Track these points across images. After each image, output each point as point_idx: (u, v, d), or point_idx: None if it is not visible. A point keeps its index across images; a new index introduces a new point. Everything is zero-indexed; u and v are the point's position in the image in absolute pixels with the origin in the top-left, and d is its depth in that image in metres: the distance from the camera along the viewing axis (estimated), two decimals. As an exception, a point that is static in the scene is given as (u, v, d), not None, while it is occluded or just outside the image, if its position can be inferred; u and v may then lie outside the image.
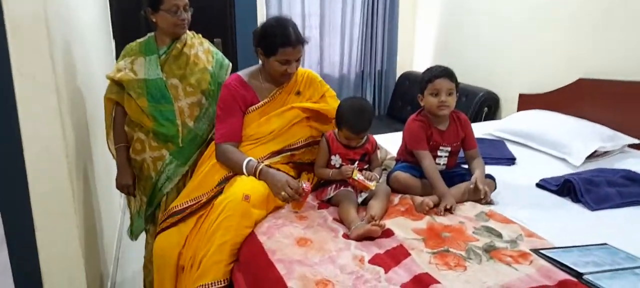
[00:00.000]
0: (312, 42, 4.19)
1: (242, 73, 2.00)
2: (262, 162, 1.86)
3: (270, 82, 1.99)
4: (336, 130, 1.96)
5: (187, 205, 1.84)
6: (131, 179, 2.05)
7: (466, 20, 3.88)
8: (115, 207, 2.81)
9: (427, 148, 1.97)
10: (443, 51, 4.19)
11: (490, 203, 1.91)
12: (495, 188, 2.01)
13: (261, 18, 3.85)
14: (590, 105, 2.77)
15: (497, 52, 3.56)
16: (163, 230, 1.86)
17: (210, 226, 1.69)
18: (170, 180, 2.02)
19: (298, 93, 2.02)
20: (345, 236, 1.62)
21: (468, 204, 1.87)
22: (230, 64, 2.15)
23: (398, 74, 4.56)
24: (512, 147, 2.64)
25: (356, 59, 4.41)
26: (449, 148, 2.02)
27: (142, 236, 2.23)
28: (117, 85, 1.97)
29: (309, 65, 4.21)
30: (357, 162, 1.92)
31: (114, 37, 3.57)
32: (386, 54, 4.45)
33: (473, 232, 1.63)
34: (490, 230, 1.64)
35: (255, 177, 1.81)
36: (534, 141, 2.62)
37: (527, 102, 3.21)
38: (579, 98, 2.83)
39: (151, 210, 2.09)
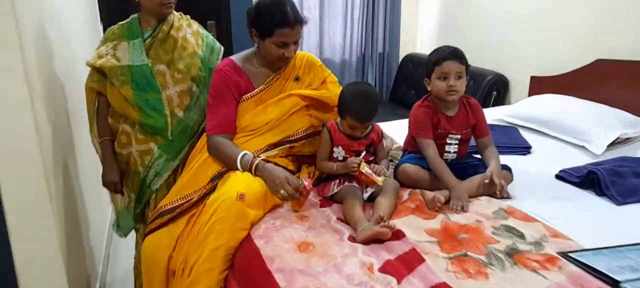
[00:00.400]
0: (311, 24, 4.00)
1: (235, 57, 1.83)
2: (259, 156, 1.70)
3: (266, 67, 1.82)
4: (339, 119, 1.80)
5: (177, 203, 1.69)
6: (118, 175, 1.89)
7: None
8: (104, 202, 2.65)
9: (431, 137, 1.83)
10: (448, 32, 4.00)
11: (507, 197, 1.76)
12: (512, 180, 1.86)
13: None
14: (609, 88, 2.60)
15: (507, 31, 3.36)
16: (152, 231, 1.71)
17: (202, 228, 1.53)
18: (159, 176, 1.87)
19: (297, 79, 1.86)
20: (351, 239, 1.46)
21: (484, 199, 1.72)
22: (222, 48, 1.98)
23: (401, 56, 4.38)
24: (526, 134, 2.48)
25: (357, 42, 4.22)
26: (459, 136, 1.87)
27: (133, 232, 2.08)
28: (99, 72, 1.80)
29: (307, 48, 4.02)
30: (363, 154, 1.76)
31: (102, 19, 3.38)
32: (388, 35, 4.26)
33: (492, 233, 1.48)
34: (511, 230, 1.49)
35: (251, 173, 1.65)
36: (550, 128, 2.45)
37: (539, 85, 3.04)
38: (597, 80, 2.66)
39: (140, 207, 1.94)
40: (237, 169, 1.67)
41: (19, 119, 1.40)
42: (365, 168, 1.65)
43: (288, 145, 1.80)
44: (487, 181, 1.71)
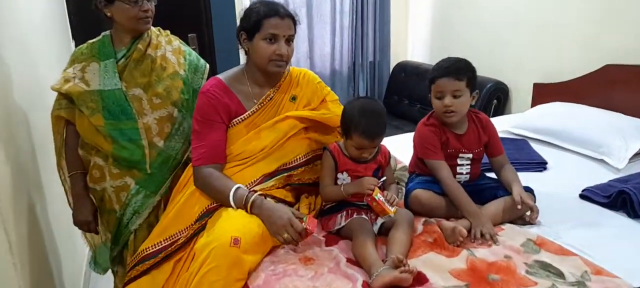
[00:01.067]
0: (300, 34, 3.80)
1: (223, 76, 1.62)
2: (254, 190, 1.49)
3: (259, 85, 1.62)
4: (342, 141, 1.60)
5: (160, 246, 1.47)
6: (91, 214, 1.66)
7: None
8: (79, 239, 2.39)
9: (442, 158, 1.65)
10: (441, 37, 3.83)
11: (531, 223, 1.58)
12: (535, 202, 1.67)
13: (240, 10, 3.43)
14: (620, 95, 2.44)
15: (505, 35, 3.20)
16: (132, 279, 1.48)
17: (191, 279, 1.31)
18: (138, 215, 1.65)
19: (293, 98, 1.65)
20: (366, 285, 1.26)
21: (507, 227, 1.54)
22: (207, 66, 1.77)
23: (392, 65, 4.21)
24: (537, 147, 2.30)
25: (347, 51, 4.05)
26: (471, 155, 1.70)
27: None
28: (66, 98, 1.57)
29: (297, 59, 3.82)
30: (382, 180, 1.55)
31: (74, 37, 3.12)
32: (378, 43, 4.09)
33: (527, 272, 1.29)
34: (547, 268, 1.31)
35: (247, 211, 1.43)
36: (564, 140, 2.28)
37: (543, 92, 2.87)
38: (607, 87, 2.50)
39: (118, 249, 1.71)
40: (230, 206, 1.45)
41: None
42: (378, 195, 1.45)
43: (286, 174, 1.59)
44: (519, 207, 1.53)
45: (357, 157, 1.56)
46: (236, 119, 1.58)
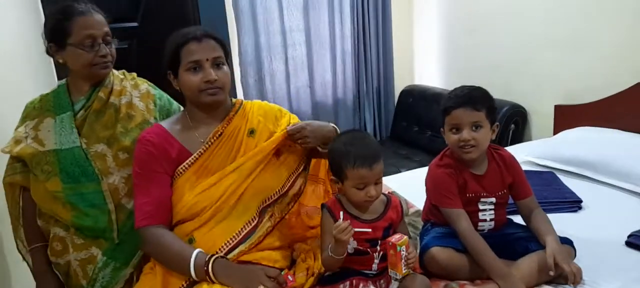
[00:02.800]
0: (299, 61, 3.62)
1: (163, 122, 1.43)
2: (223, 256, 1.28)
3: (204, 122, 1.39)
4: (339, 193, 1.35)
5: None
6: None
7: (476, 15, 3.25)
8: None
9: (461, 205, 1.41)
10: (450, 58, 3.58)
11: (574, 284, 1.30)
12: (575, 256, 1.41)
13: (234, 41, 3.24)
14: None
15: (522, 54, 2.93)
16: None
17: None
18: (108, 291, 1.40)
19: (251, 132, 1.42)
20: None
21: (545, 291, 1.27)
22: (181, 108, 1.54)
23: (398, 90, 3.98)
24: (567, 181, 2.03)
25: (351, 78, 3.83)
26: (494, 199, 1.46)
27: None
28: (20, 161, 1.36)
29: (296, 88, 3.61)
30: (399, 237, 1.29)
31: (59, 75, 2.93)
32: (382, 68, 3.87)
33: None
34: None
35: (208, 280, 1.22)
36: (599, 172, 2.00)
37: (566, 115, 2.60)
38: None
39: (88, 330, 1.46)
40: (188, 274, 1.23)
41: None
42: (402, 248, 1.21)
43: (269, 213, 1.38)
44: (551, 273, 1.27)
45: (362, 201, 1.29)
46: (182, 166, 1.34)
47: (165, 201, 1.32)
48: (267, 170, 1.39)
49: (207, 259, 1.22)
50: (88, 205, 1.34)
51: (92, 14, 1.34)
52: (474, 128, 1.38)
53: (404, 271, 1.22)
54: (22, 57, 2.22)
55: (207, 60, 1.30)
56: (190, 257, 1.22)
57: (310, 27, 3.59)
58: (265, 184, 1.39)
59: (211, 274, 1.20)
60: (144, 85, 1.50)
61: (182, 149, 1.35)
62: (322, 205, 1.36)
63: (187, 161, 1.34)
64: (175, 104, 1.55)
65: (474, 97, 1.40)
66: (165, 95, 1.54)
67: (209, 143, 1.35)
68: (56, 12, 1.34)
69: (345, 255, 1.25)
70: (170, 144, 1.34)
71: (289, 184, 1.43)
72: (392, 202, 1.39)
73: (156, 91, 1.52)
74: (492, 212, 1.46)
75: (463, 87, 1.44)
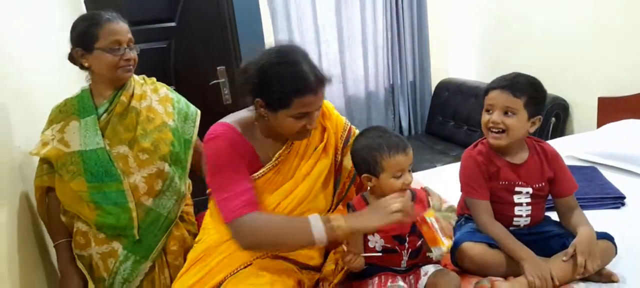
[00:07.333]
0: (332, 57, 3.63)
1: (233, 122, 1.30)
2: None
3: (273, 137, 1.34)
4: (370, 193, 1.32)
5: None
6: (81, 285, 1.48)
7: (514, 6, 3.12)
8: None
9: (485, 197, 1.37)
10: (488, 50, 3.46)
11: (609, 279, 1.26)
12: (616, 253, 1.32)
13: (268, 39, 3.27)
14: None
15: (562, 45, 2.79)
16: None
17: None
18: (128, 284, 1.47)
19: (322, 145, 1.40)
20: None
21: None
22: (198, 112, 1.58)
23: (434, 84, 3.89)
24: (610, 177, 1.91)
25: (384, 72, 3.78)
26: (530, 190, 1.38)
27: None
28: (47, 163, 1.43)
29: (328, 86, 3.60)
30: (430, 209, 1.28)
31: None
32: (418, 61, 3.80)
33: None
34: None
35: (338, 237, 1.19)
36: (642, 166, 1.88)
37: (610, 107, 2.46)
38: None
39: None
40: (312, 242, 1.18)
41: None
42: (432, 218, 1.20)
43: None
44: (564, 259, 1.24)
45: (399, 190, 1.24)
46: (255, 174, 1.29)
47: (253, 193, 1.25)
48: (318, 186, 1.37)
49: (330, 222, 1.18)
50: (111, 203, 1.39)
51: (118, 21, 1.42)
52: (506, 113, 1.33)
53: (445, 243, 1.20)
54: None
55: (316, 109, 1.26)
56: (308, 219, 1.17)
57: (343, 24, 3.59)
58: (317, 203, 1.37)
59: (338, 225, 1.16)
60: (163, 89, 1.54)
61: (254, 157, 1.31)
62: (348, 204, 1.35)
63: (260, 172, 1.30)
64: (192, 107, 1.59)
65: (515, 83, 1.33)
66: (183, 99, 1.58)
67: (278, 161, 1.32)
68: (84, 19, 1.42)
69: (363, 265, 1.25)
70: (245, 147, 1.29)
71: (337, 199, 1.44)
72: (418, 196, 1.35)
73: (174, 95, 1.56)
74: (529, 206, 1.39)
75: (513, 73, 1.37)
